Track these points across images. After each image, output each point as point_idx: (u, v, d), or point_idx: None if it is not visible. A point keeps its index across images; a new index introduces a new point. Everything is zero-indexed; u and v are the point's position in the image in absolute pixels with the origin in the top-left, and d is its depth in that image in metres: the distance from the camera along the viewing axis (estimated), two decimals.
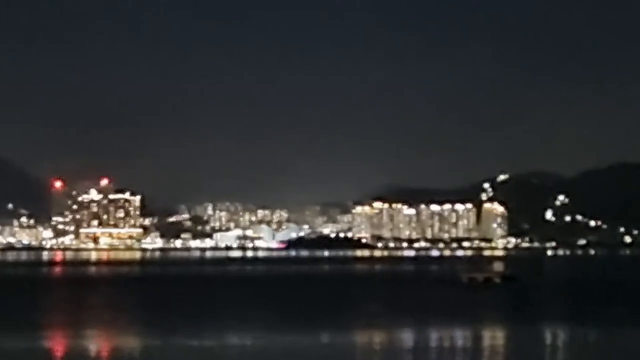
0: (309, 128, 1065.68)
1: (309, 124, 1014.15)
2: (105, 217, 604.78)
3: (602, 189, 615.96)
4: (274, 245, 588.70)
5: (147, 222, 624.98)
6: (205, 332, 60.33)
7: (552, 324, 66.21)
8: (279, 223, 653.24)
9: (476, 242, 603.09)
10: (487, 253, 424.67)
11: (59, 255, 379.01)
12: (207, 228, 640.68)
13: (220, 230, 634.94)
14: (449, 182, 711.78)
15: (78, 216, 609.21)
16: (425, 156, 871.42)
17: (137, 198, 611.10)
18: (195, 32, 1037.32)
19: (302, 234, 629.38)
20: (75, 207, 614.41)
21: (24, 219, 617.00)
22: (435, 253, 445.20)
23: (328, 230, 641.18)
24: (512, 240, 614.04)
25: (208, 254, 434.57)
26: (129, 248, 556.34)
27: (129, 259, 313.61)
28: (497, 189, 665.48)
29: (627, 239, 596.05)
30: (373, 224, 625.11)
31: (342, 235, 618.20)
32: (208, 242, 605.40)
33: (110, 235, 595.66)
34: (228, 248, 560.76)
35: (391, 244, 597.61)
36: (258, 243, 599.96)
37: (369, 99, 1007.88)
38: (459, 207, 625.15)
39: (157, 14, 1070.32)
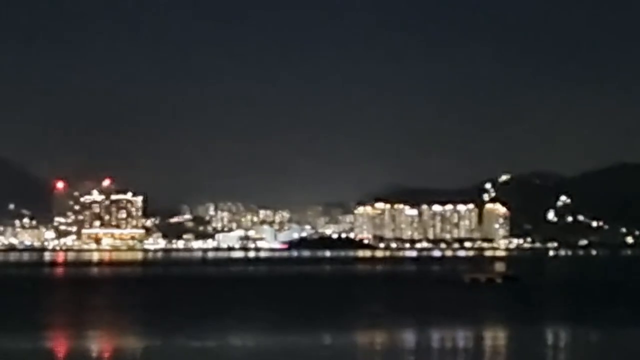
0: (309, 128, 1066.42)
1: (309, 124, 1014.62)
2: (107, 217, 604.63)
3: (603, 189, 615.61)
4: (276, 245, 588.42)
5: (149, 222, 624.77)
6: (207, 332, 60.40)
7: (554, 324, 66.26)
8: (281, 224, 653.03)
9: (478, 242, 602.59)
10: (488, 253, 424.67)
11: (61, 256, 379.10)
12: (209, 229, 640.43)
13: (222, 230, 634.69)
14: (450, 183, 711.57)
15: (80, 217, 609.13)
16: (427, 156, 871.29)
17: (139, 199, 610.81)
18: (195, 32, 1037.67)
19: (304, 234, 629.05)
20: (77, 207, 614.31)
21: (26, 220, 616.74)
22: (437, 253, 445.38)
23: (330, 230, 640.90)
24: (514, 240, 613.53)
25: (210, 254, 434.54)
26: (131, 249, 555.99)
27: (131, 259, 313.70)
28: (499, 190, 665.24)
29: (629, 240, 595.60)
30: (375, 224, 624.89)
31: (344, 235, 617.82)
32: (210, 243, 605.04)
33: (113, 236, 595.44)
34: (230, 249, 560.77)
35: (393, 245, 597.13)
36: (260, 244, 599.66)
37: (369, 99, 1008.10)
38: (460, 207, 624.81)
39: (157, 14, 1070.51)
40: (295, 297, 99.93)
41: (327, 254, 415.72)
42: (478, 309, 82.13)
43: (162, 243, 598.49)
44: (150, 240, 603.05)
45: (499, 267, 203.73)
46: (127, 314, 78.74)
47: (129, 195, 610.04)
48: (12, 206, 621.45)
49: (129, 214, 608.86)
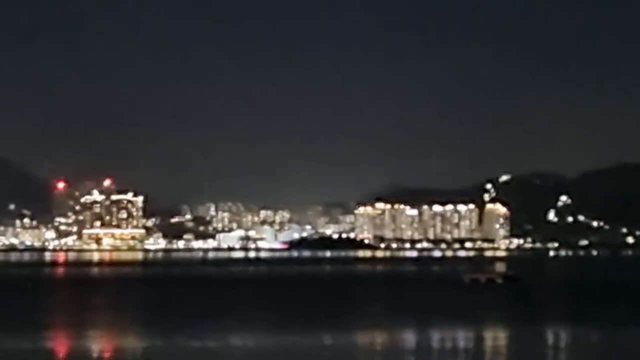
0: (309, 128, 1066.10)
1: (309, 124, 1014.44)
2: (107, 218, 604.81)
3: (604, 189, 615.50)
4: (277, 246, 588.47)
5: (149, 223, 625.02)
6: (208, 332, 60.42)
7: (554, 325, 66.26)
8: (282, 224, 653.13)
9: (478, 242, 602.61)
10: (489, 254, 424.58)
11: (61, 256, 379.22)
12: (210, 229, 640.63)
13: (222, 231, 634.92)
14: (451, 183, 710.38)
15: (81, 217, 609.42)
16: (428, 156, 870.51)
17: (140, 199, 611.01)
18: (195, 32, 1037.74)
19: (304, 234, 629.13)
20: (77, 208, 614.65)
21: (26, 220, 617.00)
22: (437, 254, 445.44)
23: (330, 231, 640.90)
24: (514, 240, 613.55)
25: (210, 254, 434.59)
26: (132, 249, 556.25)
27: (132, 259, 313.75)
28: (500, 190, 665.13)
29: (630, 240, 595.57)
30: (375, 224, 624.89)
31: (344, 235, 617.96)
32: (210, 243, 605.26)
33: (113, 236, 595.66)
34: (230, 249, 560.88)
35: (393, 245, 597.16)
36: (260, 244, 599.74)
37: (369, 99, 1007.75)
38: (461, 207, 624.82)
39: (157, 14, 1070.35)
40: (295, 298, 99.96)
41: (328, 254, 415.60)
42: (478, 309, 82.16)
43: (162, 243, 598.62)
44: (151, 240, 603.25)
45: (500, 267, 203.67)
46: (127, 314, 78.79)
47: (129, 196, 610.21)
48: (12, 206, 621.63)
49: (130, 214, 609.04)
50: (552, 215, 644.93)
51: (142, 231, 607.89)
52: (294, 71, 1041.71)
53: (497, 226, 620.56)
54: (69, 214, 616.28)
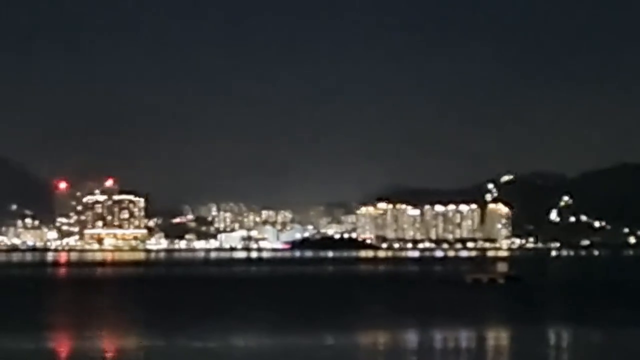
0: (310, 128, 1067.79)
1: (310, 124, 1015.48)
2: (109, 218, 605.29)
3: (606, 189, 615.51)
4: (279, 246, 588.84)
5: (151, 223, 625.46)
6: (210, 333, 60.44)
7: (556, 325, 66.26)
8: (283, 224, 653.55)
9: (480, 242, 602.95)
10: (491, 254, 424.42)
11: (63, 257, 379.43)
12: (212, 229, 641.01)
13: (224, 231, 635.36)
14: (453, 183, 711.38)
15: (82, 217, 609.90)
16: (430, 157, 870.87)
17: (142, 199, 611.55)
18: (195, 32, 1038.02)
19: (306, 234, 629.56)
20: (79, 208, 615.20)
21: (28, 220, 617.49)
22: (439, 254, 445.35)
23: (332, 231, 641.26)
24: (516, 240, 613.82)
25: (212, 254, 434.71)
26: (134, 249, 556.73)
27: (134, 260, 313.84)
28: (501, 190, 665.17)
29: (631, 240, 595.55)
30: (377, 224, 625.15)
31: (346, 236, 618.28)
32: (212, 243, 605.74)
33: (115, 236, 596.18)
34: (232, 249, 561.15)
35: (395, 245, 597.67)
36: (262, 244, 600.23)
37: (369, 99, 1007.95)
38: (463, 207, 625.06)
39: (157, 14, 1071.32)
40: (297, 298, 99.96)
41: (330, 254, 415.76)
42: (480, 310, 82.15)
43: (164, 243, 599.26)
44: (153, 240, 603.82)
45: (501, 267, 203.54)
46: (129, 314, 78.80)
47: (131, 196, 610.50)
48: (14, 207, 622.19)
49: (132, 214, 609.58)
50: (554, 215, 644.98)
51: (144, 231, 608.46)
52: (294, 71, 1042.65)
53: (499, 226, 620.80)
54: (71, 214, 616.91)
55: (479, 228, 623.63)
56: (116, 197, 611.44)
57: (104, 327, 65.91)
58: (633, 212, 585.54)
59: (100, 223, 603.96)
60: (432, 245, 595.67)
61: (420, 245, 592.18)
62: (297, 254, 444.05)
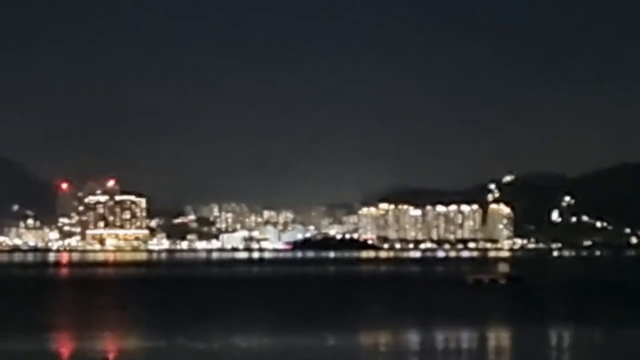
0: (311, 128, 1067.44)
1: (310, 124, 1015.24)
2: (111, 218, 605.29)
3: (606, 189, 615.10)
4: (280, 246, 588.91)
5: (153, 223, 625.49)
6: (211, 333, 60.46)
7: (557, 325, 66.28)
8: (285, 224, 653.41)
9: (482, 243, 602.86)
10: (492, 254, 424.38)
11: (65, 257, 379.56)
12: (213, 229, 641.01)
13: (226, 231, 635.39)
14: (454, 183, 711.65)
15: (84, 218, 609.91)
16: (429, 157, 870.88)
17: (143, 199, 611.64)
18: (195, 32, 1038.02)
19: (308, 235, 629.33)
20: (81, 208, 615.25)
21: (30, 221, 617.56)
22: (440, 254, 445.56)
23: (334, 231, 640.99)
24: (518, 241, 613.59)
25: (214, 255, 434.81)
26: (135, 249, 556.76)
27: (135, 260, 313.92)
28: (503, 190, 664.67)
29: (633, 240, 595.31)
30: (379, 225, 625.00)
31: (348, 236, 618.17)
32: (214, 244, 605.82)
33: (117, 236, 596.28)
34: (234, 249, 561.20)
35: (397, 245, 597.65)
36: (264, 244, 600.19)
37: (369, 99, 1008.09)
38: (464, 208, 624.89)
39: (157, 14, 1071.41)
40: (299, 298, 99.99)
41: (331, 254, 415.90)
42: (481, 310, 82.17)
43: (166, 244, 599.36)
44: (154, 241, 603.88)
45: (503, 267, 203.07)
46: (130, 315, 78.85)
47: (133, 196, 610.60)
48: (16, 207, 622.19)
49: (133, 215, 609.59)
50: (555, 216, 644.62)
51: (146, 232, 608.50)
52: (294, 71, 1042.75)
53: (501, 226, 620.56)
54: (73, 214, 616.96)
55: (480, 228, 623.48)
56: (118, 198, 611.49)
57: (106, 328, 65.94)
58: (634, 213, 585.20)
59: (101, 223, 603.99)
60: (434, 245, 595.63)
61: (422, 246, 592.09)
62: (299, 254, 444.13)
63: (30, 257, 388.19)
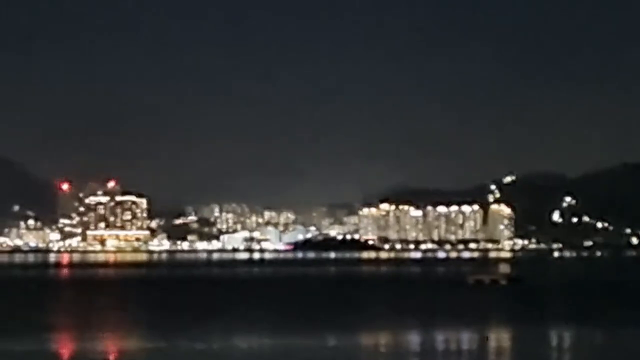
0: (311, 128, 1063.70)
1: (310, 125, 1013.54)
2: (112, 219, 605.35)
3: (606, 189, 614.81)
4: (281, 247, 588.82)
5: (154, 224, 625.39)
6: (212, 334, 60.47)
7: (558, 326, 66.28)
8: (286, 225, 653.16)
9: (483, 243, 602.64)
10: (493, 255, 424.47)
11: (65, 258, 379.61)
12: (214, 230, 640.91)
13: (227, 232, 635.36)
14: (453, 183, 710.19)
15: (85, 218, 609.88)
16: (429, 157, 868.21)
17: (144, 200, 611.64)
18: (195, 32, 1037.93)
19: (308, 235, 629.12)
20: (82, 209, 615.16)
21: (30, 221, 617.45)
22: (441, 255, 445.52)
23: (335, 232, 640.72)
24: (519, 241, 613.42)
25: (215, 256, 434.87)
26: (136, 250, 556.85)
27: (136, 261, 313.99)
28: (504, 191, 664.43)
29: (634, 241, 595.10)
30: (380, 225, 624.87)
31: (348, 237, 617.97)
32: (215, 244, 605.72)
33: (117, 237, 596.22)
34: (235, 250, 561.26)
35: (398, 246, 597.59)
36: (265, 245, 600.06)
37: (369, 99, 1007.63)
38: (465, 208, 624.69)
39: (157, 14, 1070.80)
40: (299, 299, 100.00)
41: (332, 255, 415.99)
42: (482, 311, 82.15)
43: (166, 244, 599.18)
44: (155, 241, 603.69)
45: (504, 268, 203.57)
46: (131, 315, 78.85)
47: (133, 197, 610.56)
48: (16, 207, 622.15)
49: (134, 216, 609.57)
50: (556, 216, 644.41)
51: (147, 232, 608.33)
52: (294, 71, 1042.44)
53: (502, 227, 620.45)
54: (73, 215, 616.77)
55: (481, 229, 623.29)
56: (118, 198, 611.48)
57: (106, 329, 65.96)
58: (634, 213, 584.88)
59: (102, 224, 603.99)
60: (435, 246, 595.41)
61: (423, 247, 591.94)
62: (300, 255, 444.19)
63: (31, 257, 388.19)
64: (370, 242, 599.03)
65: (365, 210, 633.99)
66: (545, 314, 78.58)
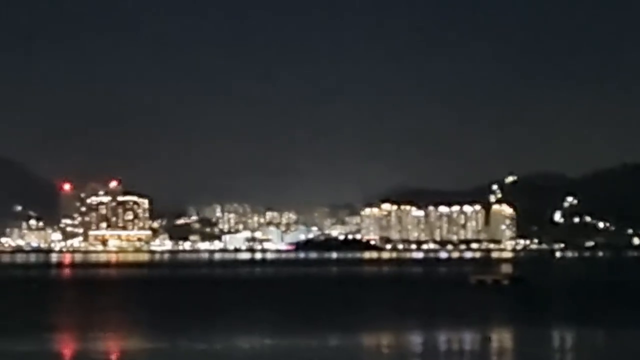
0: (312, 128, 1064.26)
1: (311, 125, 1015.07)
2: (114, 219, 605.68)
3: (610, 190, 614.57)
4: (283, 247, 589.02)
5: (155, 224, 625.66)
6: (214, 334, 60.47)
7: (560, 326, 66.26)
8: (288, 225, 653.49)
9: (485, 243, 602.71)
10: (495, 255, 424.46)
11: (67, 258, 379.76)
12: (216, 230, 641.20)
13: (229, 232, 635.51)
14: (453, 183, 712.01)
15: (87, 218, 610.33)
16: (429, 157, 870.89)
17: (146, 200, 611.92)
18: (195, 32, 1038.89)
19: (310, 235, 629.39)
20: (84, 209, 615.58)
21: (32, 221, 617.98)
22: (443, 255, 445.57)
23: (336, 232, 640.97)
24: (521, 241, 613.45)
25: (217, 256, 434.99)
26: (138, 250, 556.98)
27: (138, 261, 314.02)
28: (506, 191, 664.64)
29: (635, 241, 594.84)
30: (382, 225, 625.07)
31: (350, 237, 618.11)
32: (217, 244, 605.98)
33: (119, 237, 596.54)
34: (237, 250, 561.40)
35: (400, 246, 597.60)
36: (267, 245, 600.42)
37: (369, 99, 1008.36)
38: (467, 208, 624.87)
39: (157, 14, 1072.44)
40: (301, 299, 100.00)
41: (334, 255, 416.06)
42: (484, 311, 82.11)
43: (168, 244, 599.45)
44: (157, 241, 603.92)
45: (505, 268, 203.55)
46: (133, 315, 78.85)
47: (135, 197, 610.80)
48: (18, 208, 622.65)
49: (136, 216, 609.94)
50: (558, 217, 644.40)
51: (149, 232, 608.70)
52: (294, 71, 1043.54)
53: (503, 227, 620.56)
54: (75, 215, 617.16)
55: (483, 229, 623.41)
56: (120, 199, 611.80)
57: (108, 329, 65.95)
58: (635, 213, 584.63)
59: (104, 224, 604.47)
60: (437, 246, 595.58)
61: (425, 247, 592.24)
62: (302, 255, 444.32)
63: (32, 257, 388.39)
64: (372, 242, 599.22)
65: (367, 211, 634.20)
66: (547, 314, 78.56)
